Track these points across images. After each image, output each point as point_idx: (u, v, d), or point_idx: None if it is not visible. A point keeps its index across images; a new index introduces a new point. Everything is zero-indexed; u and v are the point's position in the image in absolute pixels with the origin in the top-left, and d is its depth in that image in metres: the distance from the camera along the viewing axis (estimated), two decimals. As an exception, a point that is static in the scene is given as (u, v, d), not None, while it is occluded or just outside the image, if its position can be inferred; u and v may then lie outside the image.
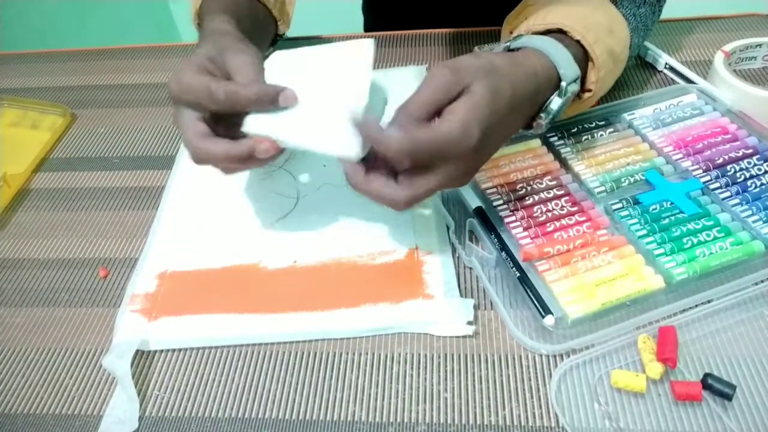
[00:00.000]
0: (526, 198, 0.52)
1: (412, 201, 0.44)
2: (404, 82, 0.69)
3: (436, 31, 0.78)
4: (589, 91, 0.53)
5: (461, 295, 0.48)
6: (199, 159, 0.46)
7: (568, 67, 0.49)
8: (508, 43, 0.51)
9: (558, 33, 0.51)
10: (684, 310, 0.44)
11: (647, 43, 0.69)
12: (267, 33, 0.64)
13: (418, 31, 0.79)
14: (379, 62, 0.75)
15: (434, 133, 0.42)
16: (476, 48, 0.72)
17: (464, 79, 0.43)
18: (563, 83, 0.49)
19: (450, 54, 0.74)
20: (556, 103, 0.49)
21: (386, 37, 0.79)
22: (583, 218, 0.50)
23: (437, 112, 0.43)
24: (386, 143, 0.42)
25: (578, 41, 0.51)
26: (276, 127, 0.45)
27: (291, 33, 0.70)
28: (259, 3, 0.61)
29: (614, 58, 0.53)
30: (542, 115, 0.50)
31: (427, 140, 0.41)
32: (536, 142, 0.57)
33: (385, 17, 0.96)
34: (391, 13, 0.94)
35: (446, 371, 0.44)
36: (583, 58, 0.52)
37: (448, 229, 0.53)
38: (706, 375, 0.40)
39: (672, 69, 0.66)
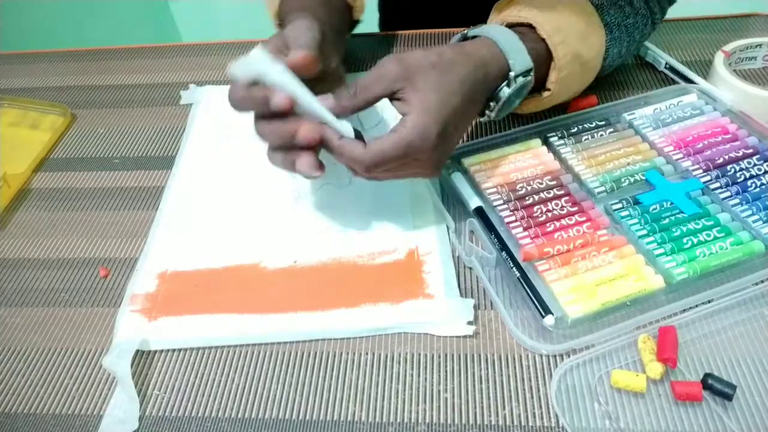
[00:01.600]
0: (526, 198, 0.52)
1: (374, 171, 0.46)
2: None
3: (454, 30, 0.78)
4: (548, 90, 0.55)
5: (461, 295, 0.48)
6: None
7: (517, 58, 0.50)
8: (466, 31, 0.54)
9: (527, 28, 0.53)
10: (684, 310, 0.44)
11: (647, 43, 0.69)
12: (344, 23, 0.65)
13: (435, 30, 0.78)
14: None
15: (394, 143, 0.44)
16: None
17: (411, 74, 0.45)
18: (511, 73, 0.50)
19: None
20: (504, 92, 0.51)
21: (402, 37, 0.79)
22: (583, 218, 0.50)
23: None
24: (349, 156, 0.45)
25: (543, 39, 0.53)
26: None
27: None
28: None
29: (581, 63, 0.55)
30: (491, 103, 0.52)
31: (389, 152, 0.44)
32: (536, 142, 0.57)
33: (401, 15, 0.95)
34: (408, 11, 0.93)
35: (446, 371, 0.44)
36: (547, 57, 0.53)
37: (448, 229, 0.53)
38: (707, 375, 0.40)
39: (672, 69, 0.66)
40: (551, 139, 0.58)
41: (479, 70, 0.48)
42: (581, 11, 0.55)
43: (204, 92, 0.71)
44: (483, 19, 0.79)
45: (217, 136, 0.65)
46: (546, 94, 0.56)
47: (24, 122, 0.70)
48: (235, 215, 0.56)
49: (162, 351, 0.47)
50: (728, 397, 0.40)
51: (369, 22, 0.96)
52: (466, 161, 0.56)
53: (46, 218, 0.59)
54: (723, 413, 0.40)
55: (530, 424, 0.41)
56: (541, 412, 0.41)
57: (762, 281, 0.45)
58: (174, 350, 0.47)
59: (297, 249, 0.52)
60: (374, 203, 0.56)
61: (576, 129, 0.58)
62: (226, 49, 0.80)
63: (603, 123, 0.59)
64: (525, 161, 0.56)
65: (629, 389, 0.41)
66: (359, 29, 0.71)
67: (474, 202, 0.52)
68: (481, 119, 0.54)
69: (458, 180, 0.55)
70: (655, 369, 0.41)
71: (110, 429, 0.42)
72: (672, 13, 0.67)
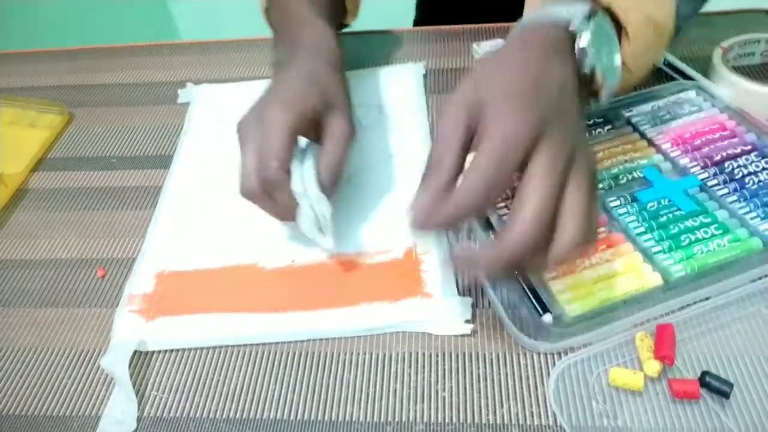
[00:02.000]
0: (524, 196, 0.52)
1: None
2: (402, 80, 0.69)
3: (494, 25, 0.77)
4: (625, 65, 0.47)
5: (459, 294, 0.48)
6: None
7: (571, 8, 0.43)
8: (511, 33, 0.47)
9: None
10: (682, 308, 0.44)
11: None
12: (337, 18, 0.63)
13: (473, 26, 0.78)
14: (421, 56, 0.74)
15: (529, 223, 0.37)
16: (474, 47, 0.72)
17: (484, 115, 0.39)
18: (574, 21, 0.42)
19: None
20: (585, 37, 0.42)
21: (439, 33, 0.78)
22: (581, 216, 0.50)
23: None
24: (485, 266, 0.39)
25: (607, 8, 0.45)
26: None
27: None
28: None
29: (655, 27, 0.46)
30: (585, 64, 0.42)
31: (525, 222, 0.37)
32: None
33: (437, 10, 0.92)
34: (445, 5, 0.90)
35: (444, 370, 0.44)
36: (615, 30, 0.46)
37: (445, 227, 0.53)
38: (704, 373, 0.40)
39: (670, 65, 0.66)
40: (549, 137, 0.57)
41: (542, 61, 0.41)
42: None
43: (201, 91, 0.71)
44: (519, 14, 0.77)
45: (214, 134, 0.65)
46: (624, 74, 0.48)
47: (21, 121, 0.70)
48: (233, 215, 0.56)
49: (160, 351, 0.47)
50: (725, 395, 0.40)
51: (404, 17, 0.96)
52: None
53: (44, 218, 0.59)
54: (720, 411, 0.40)
55: (528, 422, 0.41)
56: (539, 411, 0.41)
57: (760, 278, 0.45)
58: (172, 351, 0.47)
59: (295, 248, 0.52)
60: (371, 202, 0.56)
61: (574, 126, 0.58)
62: (224, 47, 0.80)
63: (601, 120, 0.59)
64: (523, 159, 0.55)
65: (627, 387, 0.41)
66: (395, 24, 0.71)
67: (471, 200, 0.52)
68: (597, 103, 0.46)
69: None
70: (653, 367, 0.41)
71: (108, 430, 0.42)
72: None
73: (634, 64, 0.48)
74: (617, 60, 0.45)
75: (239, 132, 0.48)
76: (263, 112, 0.47)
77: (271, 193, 0.47)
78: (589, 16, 0.43)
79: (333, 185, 0.48)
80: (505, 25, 0.76)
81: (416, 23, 0.98)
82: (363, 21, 0.69)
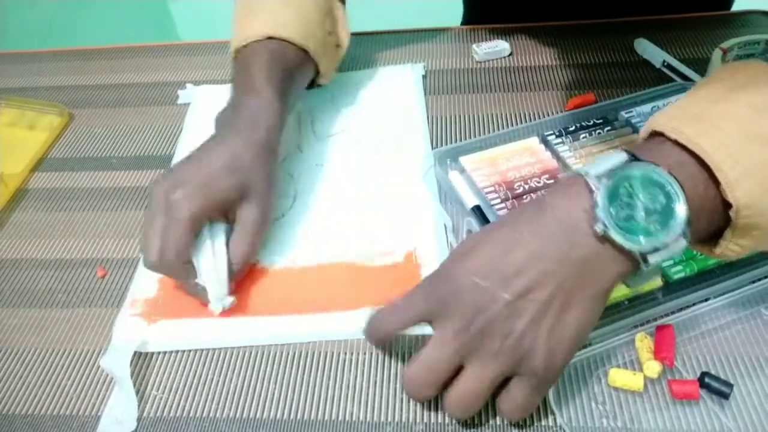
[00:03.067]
0: (524, 196, 0.52)
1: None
2: (401, 81, 0.69)
3: (494, 26, 0.77)
4: (736, 211, 0.34)
5: (459, 294, 0.48)
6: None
7: (596, 165, 0.35)
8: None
9: (654, 138, 0.37)
10: (681, 309, 0.44)
11: (645, 41, 0.69)
12: (305, 80, 0.60)
13: (474, 27, 0.78)
14: (420, 57, 0.74)
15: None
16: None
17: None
18: (590, 181, 0.35)
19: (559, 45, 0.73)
20: (601, 206, 0.34)
21: (439, 33, 0.78)
22: (581, 217, 0.50)
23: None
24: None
25: (679, 142, 0.35)
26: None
27: (381, 25, 0.70)
28: (307, 56, 0.57)
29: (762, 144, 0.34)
30: (602, 228, 0.34)
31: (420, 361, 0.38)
32: (534, 141, 0.57)
33: (485, 9, 0.90)
34: (494, 4, 0.88)
35: (444, 370, 0.44)
36: (700, 176, 0.34)
37: (446, 228, 0.53)
38: (704, 373, 0.40)
39: (670, 67, 0.66)
40: (549, 138, 0.58)
41: (558, 237, 0.36)
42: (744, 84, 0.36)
43: (201, 92, 0.71)
44: (567, 14, 0.73)
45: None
46: (726, 244, 0.36)
47: (21, 122, 0.70)
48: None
49: (160, 352, 0.47)
50: (725, 396, 0.40)
51: (453, 15, 0.95)
52: (464, 160, 0.56)
53: (44, 218, 0.59)
54: (720, 412, 0.40)
55: (528, 422, 0.41)
56: (539, 411, 0.41)
57: (759, 279, 0.45)
58: (172, 351, 0.47)
59: (295, 250, 0.52)
60: (372, 204, 0.56)
61: (573, 127, 0.58)
62: (224, 48, 0.80)
63: (601, 121, 0.59)
64: (522, 160, 0.56)
65: (626, 388, 0.41)
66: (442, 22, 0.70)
67: (472, 200, 0.52)
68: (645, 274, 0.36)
69: (456, 179, 0.55)
70: (653, 368, 0.41)
71: (108, 430, 0.42)
72: (670, 10, 0.67)
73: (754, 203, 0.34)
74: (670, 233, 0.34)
75: (150, 196, 0.47)
76: (171, 193, 0.46)
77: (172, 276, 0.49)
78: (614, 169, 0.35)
79: (241, 271, 0.49)
80: (538, 24, 0.76)
81: (464, 23, 0.96)
82: (385, 19, 0.68)
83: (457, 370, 0.38)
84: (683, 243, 0.34)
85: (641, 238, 0.34)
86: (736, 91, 0.36)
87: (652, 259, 0.34)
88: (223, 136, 0.51)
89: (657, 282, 0.45)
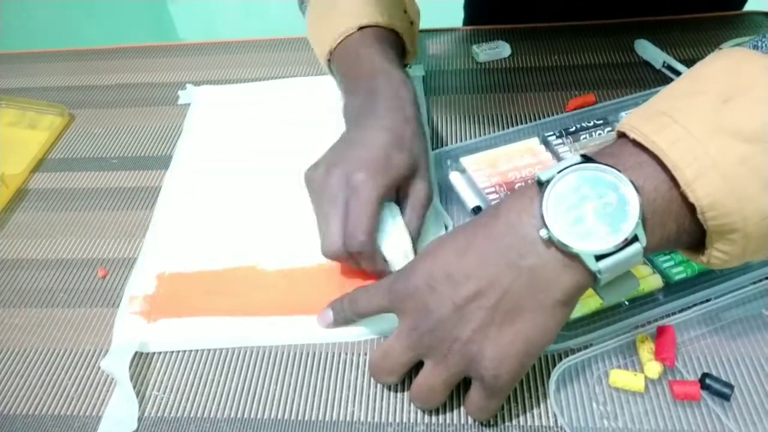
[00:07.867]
0: (525, 197, 0.52)
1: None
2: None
3: (494, 27, 0.77)
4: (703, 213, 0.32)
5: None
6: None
7: (549, 169, 0.35)
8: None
9: (619, 139, 0.36)
10: (682, 310, 0.44)
11: (645, 42, 0.69)
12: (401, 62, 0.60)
13: (474, 27, 0.78)
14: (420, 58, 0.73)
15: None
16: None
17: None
18: (539, 186, 0.35)
19: (558, 46, 0.73)
20: (545, 210, 0.34)
21: (439, 34, 0.78)
22: (582, 217, 0.50)
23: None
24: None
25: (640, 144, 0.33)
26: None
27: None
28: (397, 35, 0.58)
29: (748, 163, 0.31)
30: (549, 237, 0.33)
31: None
32: (534, 141, 0.57)
33: (487, 10, 0.90)
34: (495, 5, 0.88)
35: (445, 371, 0.44)
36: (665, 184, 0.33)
37: (446, 228, 0.53)
38: (705, 375, 0.40)
39: (670, 68, 0.66)
40: (549, 138, 0.58)
41: (507, 253, 0.35)
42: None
43: (201, 92, 0.71)
44: (568, 15, 0.72)
45: (214, 135, 0.65)
46: (713, 254, 0.34)
47: (22, 122, 0.70)
48: (233, 216, 0.56)
49: (161, 352, 0.47)
50: (726, 397, 0.40)
51: (453, 17, 0.95)
52: (464, 160, 0.56)
53: (44, 219, 0.59)
54: (721, 413, 0.40)
55: (529, 423, 0.41)
56: (540, 412, 0.41)
57: (760, 280, 0.45)
58: (173, 351, 0.47)
59: (296, 251, 0.52)
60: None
61: (574, 128, 0.58)
62: (224, 48, 0.80)
63: (601, 122, 0.59)
64: (523, 160, 0.56)
65: (627, 389, 0.41)
66: (441, 24, 0.70)
67: (472, 201, 0.52)
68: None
69: (456, 179, 0.55)
70: (653, 368, 0.41)
71: (109, 430, 0.42)
72: (670, 11, 0.67)
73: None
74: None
75: (312, 184, 0.48)
76: (352, 175, 0.46)
77: (356, 259, 0.47)
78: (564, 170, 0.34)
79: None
80: (538, 25, 0.76)
81: (465, 24, 0.96)
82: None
83: (421, 363, 0.40)
84: (637, 247, 0.33)
85: (589, 242, 0.33)
86: (707, 82, 0.34)
87: (604, 264, 0.33)
88: (374, 118, 0.49)
89: (658, 282, 0.45)
